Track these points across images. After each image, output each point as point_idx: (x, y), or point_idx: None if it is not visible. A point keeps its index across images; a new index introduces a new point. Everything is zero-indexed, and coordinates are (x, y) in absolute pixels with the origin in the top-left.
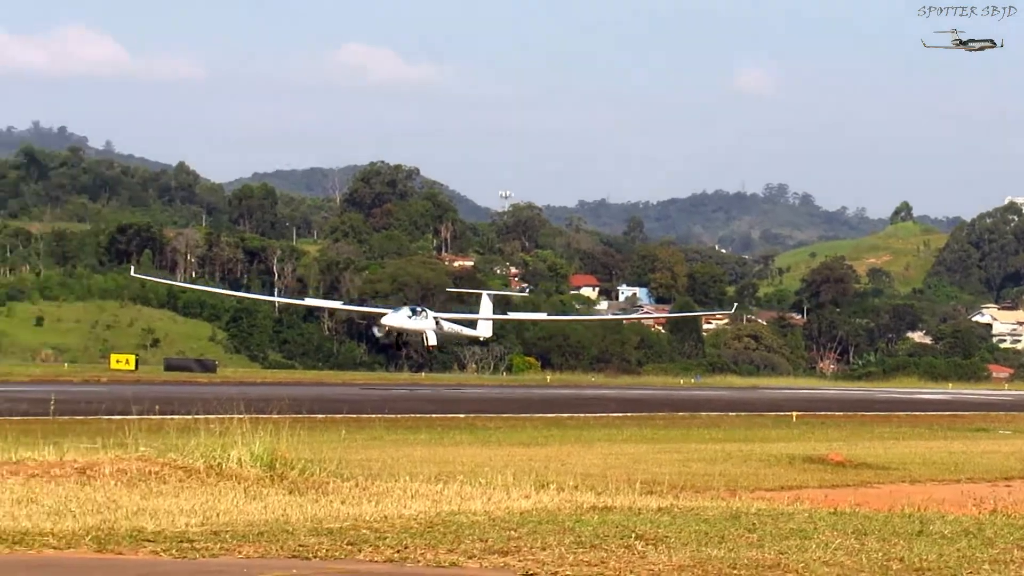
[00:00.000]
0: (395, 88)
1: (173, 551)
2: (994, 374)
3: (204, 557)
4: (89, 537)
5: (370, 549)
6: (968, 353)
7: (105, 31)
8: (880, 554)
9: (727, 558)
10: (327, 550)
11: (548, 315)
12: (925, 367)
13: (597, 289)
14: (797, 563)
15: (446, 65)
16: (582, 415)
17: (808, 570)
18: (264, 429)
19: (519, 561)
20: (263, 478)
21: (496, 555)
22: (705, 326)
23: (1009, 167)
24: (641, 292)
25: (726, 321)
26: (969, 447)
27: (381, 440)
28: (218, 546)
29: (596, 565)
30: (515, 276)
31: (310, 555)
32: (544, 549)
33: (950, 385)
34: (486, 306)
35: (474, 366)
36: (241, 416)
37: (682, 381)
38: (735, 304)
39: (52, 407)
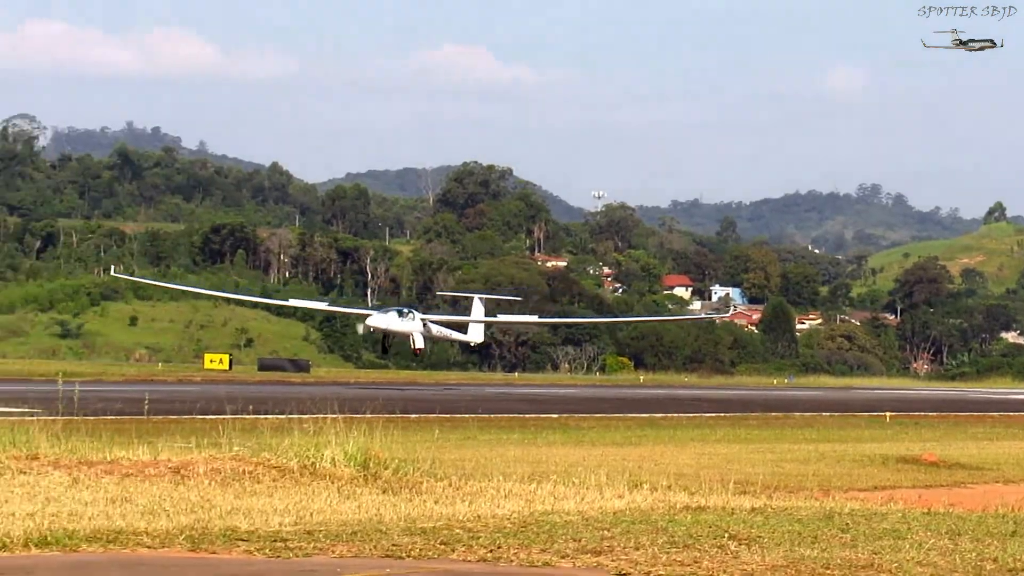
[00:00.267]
0: (489, 88)
1: (267, 550)
2: None
3: (297, 556)
4: (183, 536)
5: (463, 549)
6: None
7: (197, 32)
8: (974, 554)
9: (820, 558)
10: (420, 549)
11: (539, 318)
12: (1019, 367)
13: (690, 289)
14: (890, 563)
15: (540, 65)
16: (675, 415)
17: (901, 570)
18: (358, 429)
19: (612, 561)
20: (356, 478)
21: (589, 555)
22: (799, 326)
23: None
24: (734, 292)
25: (820, 321)
26: None
27: (474, 440)
28: (311, 545)
29: (689, 565)
30: (608, 276)
31: (403, 554)
32: (637, 549)
33: None
34: (478, 310)
35: (567, 366)
36: (335, 416)
37: (775, 381)
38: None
39: (146, 407)
